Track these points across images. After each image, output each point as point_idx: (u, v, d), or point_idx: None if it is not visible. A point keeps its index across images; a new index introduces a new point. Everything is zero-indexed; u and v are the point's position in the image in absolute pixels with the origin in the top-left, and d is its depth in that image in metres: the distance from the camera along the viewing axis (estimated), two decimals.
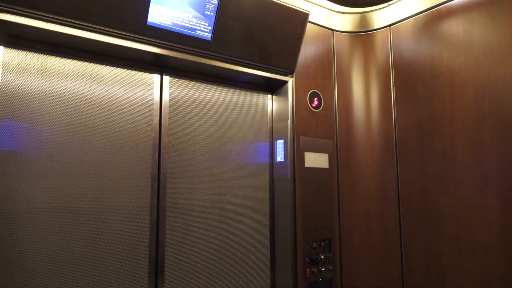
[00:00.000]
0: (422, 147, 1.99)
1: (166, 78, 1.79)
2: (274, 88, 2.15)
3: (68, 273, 1.44)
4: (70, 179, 1.48)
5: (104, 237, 1.53)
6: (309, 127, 2.08)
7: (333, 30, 2.28)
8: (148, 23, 1.54)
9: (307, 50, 2.13)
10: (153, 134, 1.71)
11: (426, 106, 1.98)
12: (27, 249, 1.37)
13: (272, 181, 2.08)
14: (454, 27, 1.87)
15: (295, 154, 1.99)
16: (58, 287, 1.42)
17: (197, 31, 1.67)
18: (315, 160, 2.06)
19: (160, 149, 1.72)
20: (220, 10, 1.68)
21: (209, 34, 1.70)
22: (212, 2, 1.65)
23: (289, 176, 1.96)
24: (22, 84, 1.42)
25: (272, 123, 2.13)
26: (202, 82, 1.91)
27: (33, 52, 1.46)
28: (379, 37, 2.26)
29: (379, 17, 2.27)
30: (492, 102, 1.70)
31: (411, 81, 2.07)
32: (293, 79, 2.06)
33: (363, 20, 2.31)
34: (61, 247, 1.44)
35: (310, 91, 2.11)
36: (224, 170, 1.92)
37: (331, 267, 2.02)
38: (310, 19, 2.09)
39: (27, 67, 1.44)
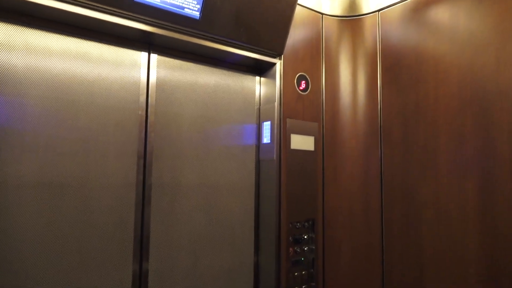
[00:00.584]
0: (406, 132, 2.03)
1: (154, 56, 1.77)
2: (262, 70, 2.16)
3: (52, 248, 1.45)
4: (55, 154, 1.47)
5: (89, 212, 1.54)
6: (296, 109, 2.10)
7: (322, 13, 2.28)
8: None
9: (296, 33, 2.14)
10: (139, 112, 1.70)
11: (411, 92, 2.02)
12: (11, 222, 1.37)
13: (258, 162, 2.10)
14: (440, 14, 1.90)
15: (281, 136, 2.01)
16: (42, 262, 1.43)
17: (185, 9, 1.65)
18: (301, 142, 2.09)
19: (147, 128, 1.72)
20: None
21: (198, 13, 1.69)
22: None
23: (275, 158, 1.99)
24: (5, 57, 1.40)
25: (260, 105, 2.14)
26: (190, 62, 1.90)
27: (16, 25, 1.43)
28: (368, 22, 2.28)
29: (368, 2, 2.27)
30: (473, 89, 1.74)
31: (397, 67, 2.10)
32: (281, 61, 2.06)
33: (352, 4, 2.32)
34: (45, 222, 1.44)
35: (298, 74, 2.13)
36: (211, 150, 1.93)
37: (313, 247, 2.08)
38: (299, 1, 2.08)
39: (10, 40, 1.41)
